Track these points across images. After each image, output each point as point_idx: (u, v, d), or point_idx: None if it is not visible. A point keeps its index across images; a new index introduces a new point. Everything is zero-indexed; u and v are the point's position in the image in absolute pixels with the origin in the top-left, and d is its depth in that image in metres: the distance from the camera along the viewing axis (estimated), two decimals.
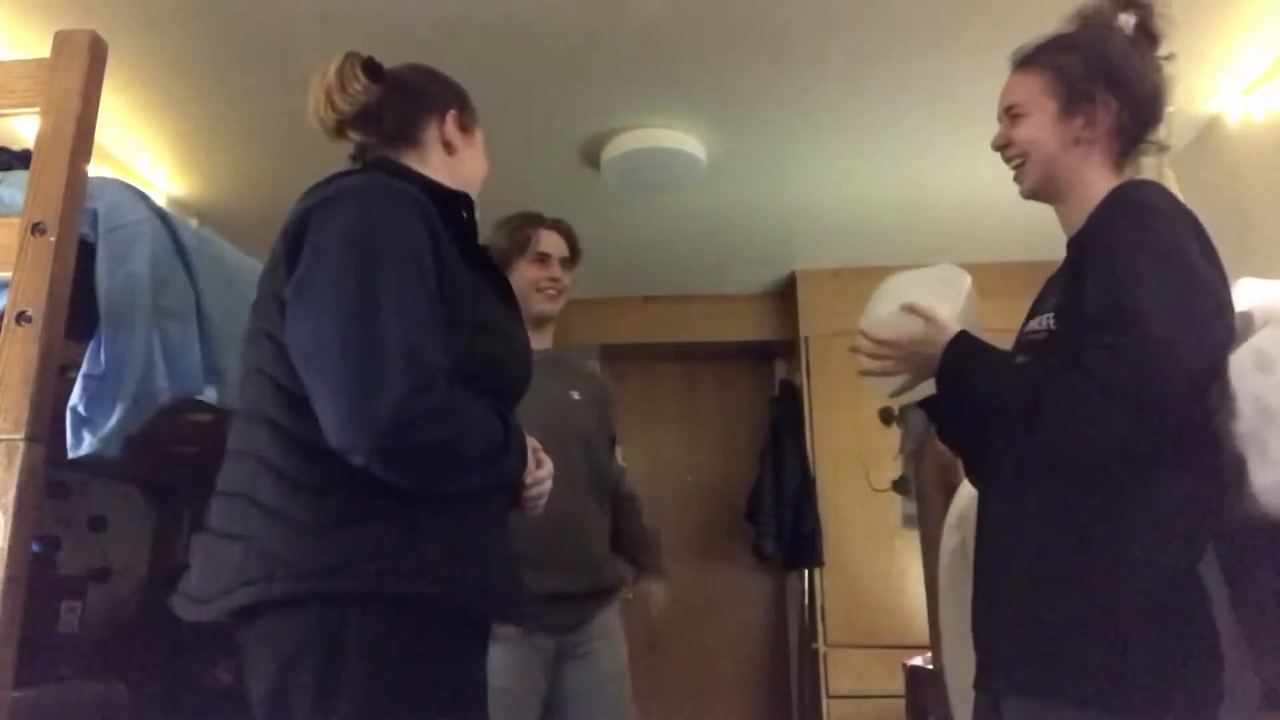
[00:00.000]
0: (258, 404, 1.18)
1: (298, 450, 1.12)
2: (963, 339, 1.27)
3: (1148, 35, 1.31)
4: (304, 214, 1.19)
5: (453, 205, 1.27)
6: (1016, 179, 1.36)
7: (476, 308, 1.23)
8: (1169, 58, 1.31)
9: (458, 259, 1.23)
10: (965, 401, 1.27)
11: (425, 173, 1.31)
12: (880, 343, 1.34)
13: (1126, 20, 1.30)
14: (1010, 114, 1.34)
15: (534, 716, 1.90)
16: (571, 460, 2.00)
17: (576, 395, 2.11)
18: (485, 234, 2.01)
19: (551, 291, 2.10)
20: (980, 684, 1.24)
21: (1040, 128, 1.30)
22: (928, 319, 1.30)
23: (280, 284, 1.17)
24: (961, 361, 1.26)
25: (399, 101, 1.35)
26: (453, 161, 1.38)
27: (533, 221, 2.13)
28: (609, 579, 2.06)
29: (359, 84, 1.30)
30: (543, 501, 1.35)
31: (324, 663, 1.07)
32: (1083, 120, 1.28)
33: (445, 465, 1.13)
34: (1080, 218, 1.26)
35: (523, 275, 2.08)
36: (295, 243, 1.17)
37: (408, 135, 1.35)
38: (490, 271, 1.34)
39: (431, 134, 1.36)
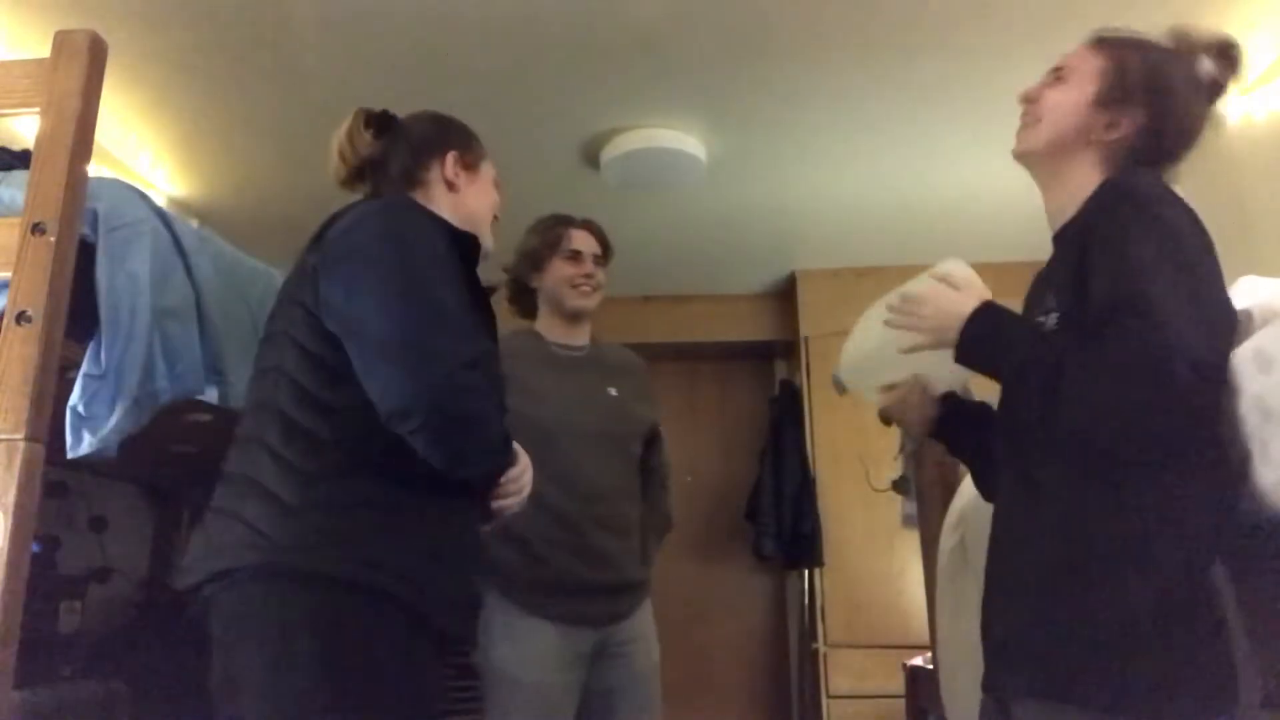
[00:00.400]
0: (270, 396, 1.26)
1: (300, 439, 1.21)
2: (993, 304, 1.23)
3: (1216, 88, 1.29)
4: (340, 228, 1.30)
5: (462, 243, 1.37)
6: (1019, 133, 1.33)
7: (476, 326, 1.32)
8: (1219, 118, 1.30)
9: (462, 279, 1.33)
10: (988, 364, 1.22)
11: (432, 209, 1.41)
12: (910, 299, 1.29)
13: (1207, 65, 1.28)
14: (1055, 73, 1.32)
15: (570, 711, 1.94)
16: (605, 456, 2.05)
17: (614, 391, 2.14)
18: (511, 240, 2.08)
19: (586, 288, 2.14)
20: (988, 686, 1.23)
21: (1071, 100, 1.28)
22: (961, 286, 1.26)
23: (308, 291, 1.27)
24: (991, 323, 1.21)
25: (402, 149, 1.49)
26: (456, 198, 1.48)
27: (564, 221, 2.18)
28: (635, 573, 2.06)
29: (364, 139, 1.48)
30: (522, 499, 1.39)
31: (278, 637, 1.14)
32: (1107, 119, 1.26)
33: (474, 441, 1.22)
34: (1067, 210, 1.25)
35: (557, 273, 2.13)
36: (331, 247, 1.28)
37: (412, 178, 1.48)
38: (484, 304, 1.42)
39: (434, 175, 1.48)
